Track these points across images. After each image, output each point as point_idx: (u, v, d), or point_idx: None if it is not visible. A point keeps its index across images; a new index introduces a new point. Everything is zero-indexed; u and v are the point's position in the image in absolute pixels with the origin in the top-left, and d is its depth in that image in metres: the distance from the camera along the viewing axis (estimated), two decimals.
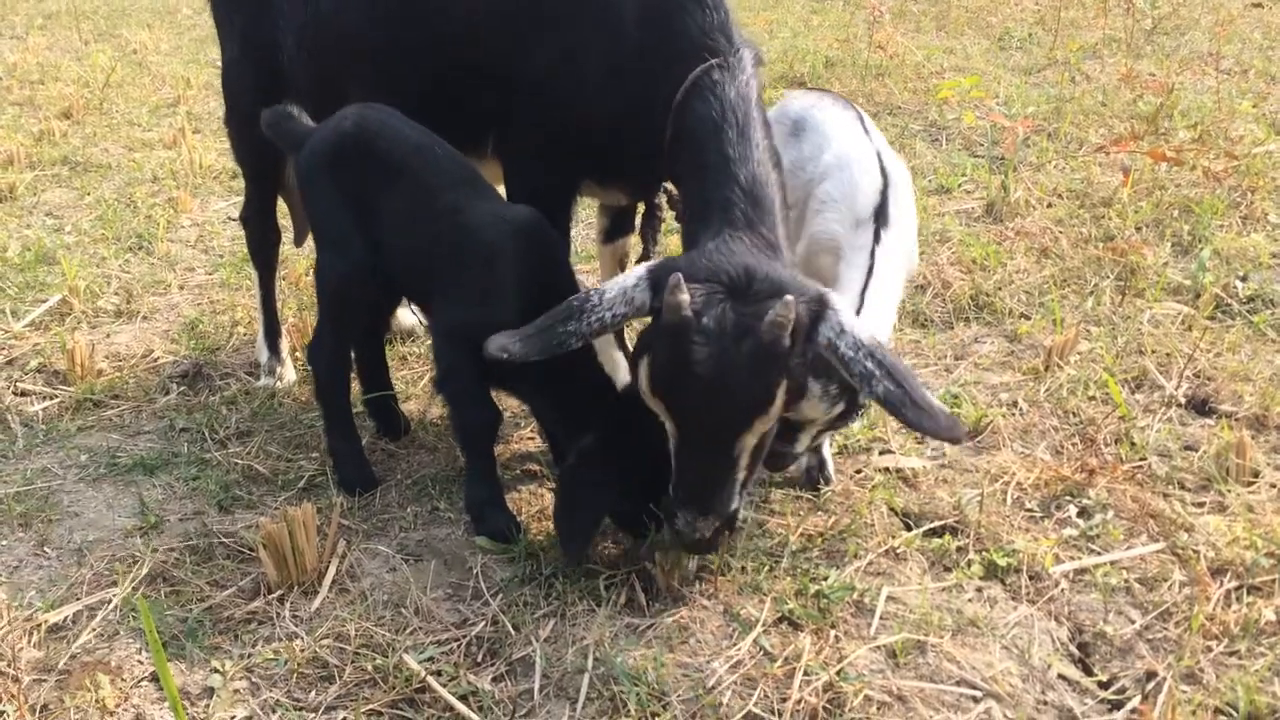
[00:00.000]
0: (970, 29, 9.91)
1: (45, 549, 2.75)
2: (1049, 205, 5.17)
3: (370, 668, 2.35)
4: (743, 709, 2.25)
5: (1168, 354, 3.67)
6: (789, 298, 2.24)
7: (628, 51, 2.79)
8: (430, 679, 2.30)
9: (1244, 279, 4.22)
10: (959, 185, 5.55)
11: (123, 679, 2.34)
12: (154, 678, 2.34)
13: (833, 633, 2.45)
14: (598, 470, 2.59)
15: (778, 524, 2.85)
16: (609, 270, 3.64)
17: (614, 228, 3.59)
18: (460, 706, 2.25)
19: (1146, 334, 3.81)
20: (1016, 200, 5.12)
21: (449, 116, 3.03)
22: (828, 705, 2.26)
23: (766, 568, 2.66)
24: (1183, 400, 3.43)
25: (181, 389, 3.55)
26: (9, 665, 2.33)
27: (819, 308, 2.34)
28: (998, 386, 3.56)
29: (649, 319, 2.45)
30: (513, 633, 2.46)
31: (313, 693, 2.31)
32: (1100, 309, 4.04)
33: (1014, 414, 3.38)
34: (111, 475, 3.06)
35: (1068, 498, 2.95)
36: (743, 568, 2.66)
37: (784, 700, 2.27)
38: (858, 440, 3.25)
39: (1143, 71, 7.56)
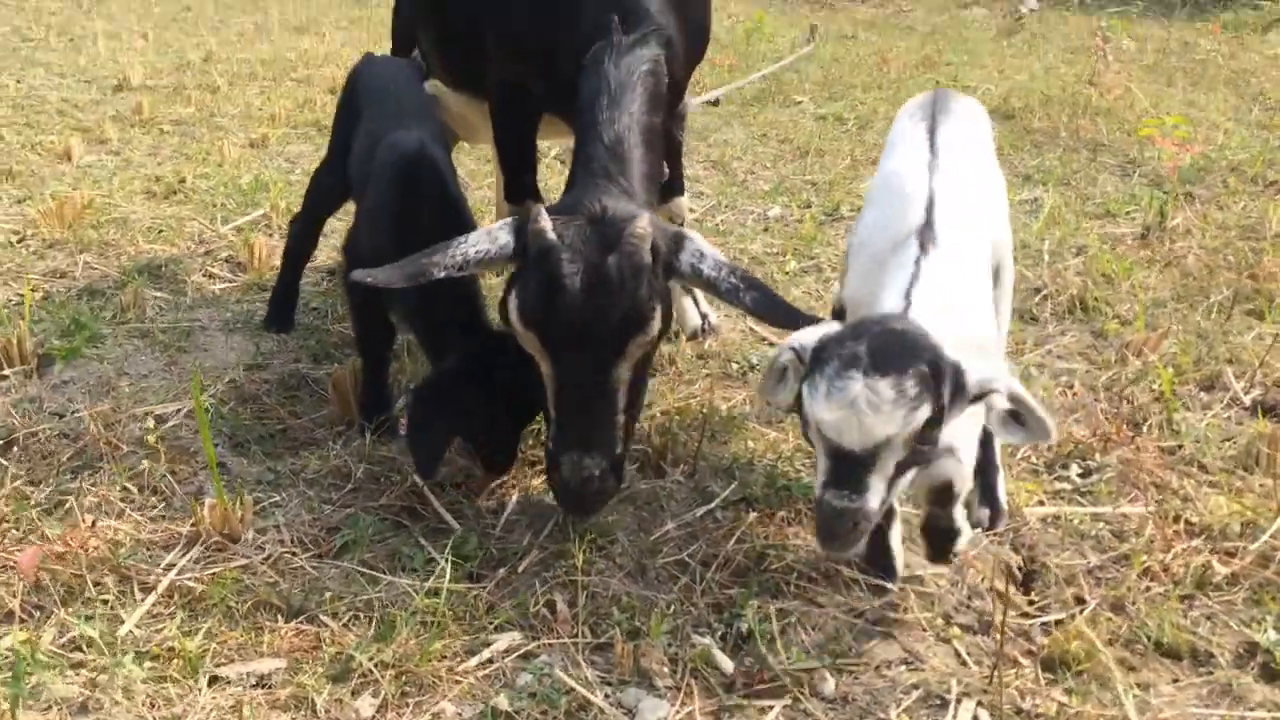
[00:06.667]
0: (1225, 87, 9.51)
1: (171, 368, 3.37)
2: (1208, 236, 5.04)
3: (382, 478, 2.81)
4: (675, 556, 2.53)
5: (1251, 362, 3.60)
6: (644, 214, 2.45)
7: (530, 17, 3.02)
8: (426, 489, 2.72)
9: None
10: (1125, 212, 5.49)
11: (197, 460, 2.87)
12: (220, 464, 2.85)
13: (782, 514, 2.67)
14: (441, 394, 2.68)
15: (755, 429, 3.11)
16: None
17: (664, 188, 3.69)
18: (447, 516, 2.67)
19: (1245, 347, 3.73)
20: (1174, 227, 5.03)
21: (461, 59, 3.51)
22: (753, 566, 2.49)
23: (745, 460, 2.91)
24: (1249, 404, 3.37)
25: (328, 280, 4.14)
26: (111, 445, 2.90)
27: (678, 237, 2.52)
28: (1061, 371, 3.61)
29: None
30: (505, 476, 2.84)
31: (334, 491, 2.78)
32: (1208, 323, 3.98)
33: (1066, 394, 3.43)
34: (244, 330, 3.66)
35: (1077, 460, 3.02)
36: (721, 457, 2.93)
37: (715, 555, 2.52)
38: None
39: None
